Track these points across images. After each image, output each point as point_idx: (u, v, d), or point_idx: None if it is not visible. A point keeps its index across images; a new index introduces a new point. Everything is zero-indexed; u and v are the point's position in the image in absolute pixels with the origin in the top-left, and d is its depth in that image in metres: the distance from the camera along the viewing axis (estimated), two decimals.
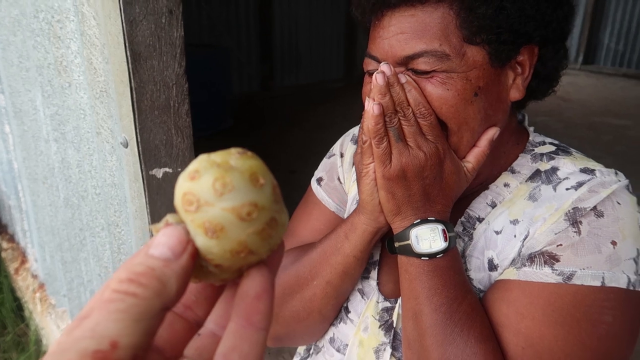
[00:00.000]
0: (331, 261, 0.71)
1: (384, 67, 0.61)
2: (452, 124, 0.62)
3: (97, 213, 1.41)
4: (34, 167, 1.91)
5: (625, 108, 6.93)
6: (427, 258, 0.63)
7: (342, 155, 0.87)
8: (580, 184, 0.63)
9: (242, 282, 0.26)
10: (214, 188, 0.24)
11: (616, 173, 0.65)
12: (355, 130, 0.88)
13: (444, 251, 0.62)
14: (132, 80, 0.94)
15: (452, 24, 0.60)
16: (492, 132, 0.65)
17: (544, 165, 0.69)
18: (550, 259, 0.60)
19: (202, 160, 0.26)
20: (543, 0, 0.61)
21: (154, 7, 0.92)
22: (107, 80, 1.08)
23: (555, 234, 0.61)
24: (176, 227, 0.26)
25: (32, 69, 1.59)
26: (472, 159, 0.65)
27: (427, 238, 0.62)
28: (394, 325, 0.71)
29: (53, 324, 2.10)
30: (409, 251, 0.63)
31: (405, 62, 0.62)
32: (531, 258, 0.61)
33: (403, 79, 0.61)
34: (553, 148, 0.71)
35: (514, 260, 0.64)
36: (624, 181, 0.64)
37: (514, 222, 0.66)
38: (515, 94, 0.65)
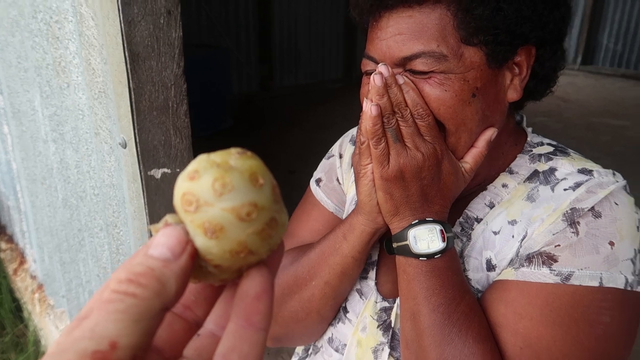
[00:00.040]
0: (329, 262, 0.71)
1: (381, 68, 0.61)
2: (449, 125, 0.62)
3: (96, 214, 1.41)
4: (32, 167, 1.91)
5: (623, 108, 6.94)
6: (425, 258, 0.63)
7: (341, 156, 0.87)
8: (578, 185, 0.63)
9: (242, 283, 0.26)
10: (214, 188, 0.24)
11: (614, 174, 0.66)
12: (354, 131, 0.88)
13: (442, 251, 0.62)
14: (131, 81, 0.94)
15: (450, 25, 0.60)
16: (490, 133, 0.65)
17: (542, 166, 0.69)
18: (548, 259, 0.60)
19: (201, 161, 0.26)
20: (540, 2, 0.61)
21: (153, 8, 0.92)
22: (105, 81, 1.08)
23: (553, 234, 0.61)
24: (175, 228, 0.25)
25: (31, 70, 1.59)
26: (470, 160, 0.65)
27: (425, 238, 0.62)
28: (392, 325, 0.71)
29: (52, 325, 2.10)
30: (407, 252, 0.63)
31: (403, 63, 0.62)
32: (529, 258, 0.62)
33: (401, 80, 0.61)
34: (551, 149, 0.71)
35: (512, 260, 0.64)
36: (622, 182, 0.64)
37: (512, 222, 0.66)
38: (513, 94, 0.65)
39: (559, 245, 0.60)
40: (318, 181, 0.89)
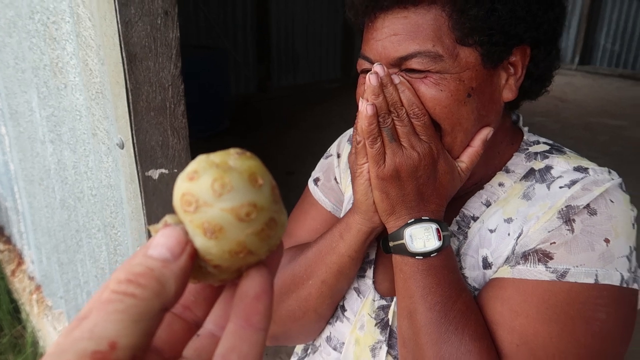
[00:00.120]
0: (326, 260, 0.71)
1: (377, 68, 0.61)
2: (445, 125, 0.63)
3: (94, 214, 1.40)
4: (30, 168, 1.91)
5: (621, 108, 6.96)
6: (421, 257, 0.63)
7: (339, 156, 0.88)
8: (573, 182, 0.64)
9: (241, 283, 0.26)
10: (213, 188, 0.24)
11: (610, 172, 0.66)
12: (352, 130, 0.88)
13: (438, 250, 0.62)
14: (128, 82, 0.94)
15: (445, 25, 0.60)
16: (486, 132, 0.65)
17: (538, 164, 0.69)
18: (543, 256, 0.60)
19: (200, 161, 0.26)
20: (534, 2, 0.61)
21: (150, 8, 0.92)
22: (102, 82, 1.08)
23: (549, 231, 0.61)
24: (175, 228, 0.25)
25: (28, 71, 1.58)
26: (465, 159, 0.65)
27: (421, 237, 0.63)
28: (390, 324, 0.71)
29: (50, 326, 2.10)
30: (403, 250, 0.64)
31: (399, 63, 0.62)
32: (525, 256, 0.62)
33: (397, 79, 0.61)
34: (547, 147, 0.72)
35: (508, 258, 0.64)
36: (617, 179, 0.65)
37: (508, 220, 0.66)
38: (508, 94, 0.66)
39: (554, 242, 0.60)
40: (316, 180, 0.89)
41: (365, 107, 0.61)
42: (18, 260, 2.55)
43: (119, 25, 0.90)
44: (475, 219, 0.70)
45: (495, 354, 0.60)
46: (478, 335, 0.60)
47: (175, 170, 1.05)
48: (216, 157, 0.26)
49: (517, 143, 0.73)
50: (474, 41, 0.61)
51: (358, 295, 0.76)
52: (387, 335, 0.71)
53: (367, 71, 0.66)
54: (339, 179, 0.86)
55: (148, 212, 1.05)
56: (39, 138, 1.68)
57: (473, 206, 0.70)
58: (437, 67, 0.60)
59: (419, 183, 0.63)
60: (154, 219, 1.06)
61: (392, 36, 0.62)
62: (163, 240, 0.25)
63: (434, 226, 0.63)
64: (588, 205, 0.61)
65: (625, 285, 0.59)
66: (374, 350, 0.72)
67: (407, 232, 0.63)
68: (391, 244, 0.65)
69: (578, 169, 0.66)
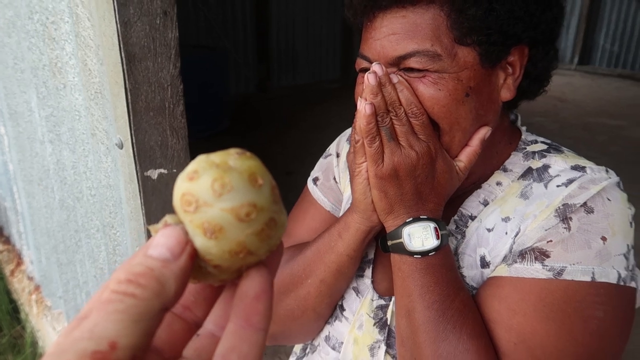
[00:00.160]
0: (325, 260, 0.71)
1: (375, 67, 0.61)
2: (443, 124, 0.63)
3: (93, 214, 1.41)
4: (29, 168, 1.91)
5: (620, 108, 6.97)
6: (419, 256, 0.63)
7: (338, 155, 0.88)
8: (570, 181, 0.64)
9: (241, 283, 0.26)
10: (213, 188, 0.24)
11: (607, 170, 0.66)
12: (351, 130, 0.88)
13: (436, 249, 0.63)
14: (127, 82, 0.94)
15: (443, 25, 0.60)
16: (484, 132, 0.65)
17: (536, 163, 0.69)
18: (540, 255, 0.61)
19: (200, 161, 0.26)
20: (532, 2, 0.61)
21: (149, 9, 0.92)
22: (101, 82, 1.08)
23: (546, 230, 0.61)
24: (175, 228, 0.25)
25: (27, 71, 1.59)
26: (464, 158, 0.66)
27: (420, 236, 0.63)
28: (388, 323, 0.72)
29: (49, 326, 2.10)
30: (401, 249, 0.64)
31: (397, 63, 0.62)
32: (522, 254, 0.62)
33: (395, 79, 0.62)
34: (545, 146, 0.72)
35: (505, 257, 0.64)
36: (615, 178, 0.65)
37: (506, 219, 0.66)
38: (506, 94, 0.66)
39: (551, 240, 0.61)
40: (315, 180, 0.89)
41: (363, 107, 0.61)
42: (17, 260, 2.55)
43: (118, 26, 0.90)
44: (473, 218, 0.70)
45: (493, 352, 0.60)
46: (476, 333, 0.60)
47: (175, 171, 1.05)
48: (216, 157, 0.26)
49: (515, 142, 0.74)
50: (472, 41, 0.61)
51: (357, 295, 0.76)
52: (385, 335, 0.71)
53: (365, 70, 0.66)
54: (338, 178, 0.87)
55: (147, 212, 1.05)
56: (38, 138, 1.68)
57: (471, 205, 0.71)
58: (435, 66, 0.60)
59: (417, 182, 0.63)
60: (153, 219, 1.06)
61: (390, 35, 0.62)
62: (163, 240, 0.25)
63: (432, 225, 0.63)
64: (585, 203, 0.61)
65: (622, 284, 0.59)
66: (372, 349, 0.72)
67: (406, 231, 0.63)
68: (389, 242, 0.65)
69: (575, 167, 0.66)
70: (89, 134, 1.25)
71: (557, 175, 0.66)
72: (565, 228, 0.60)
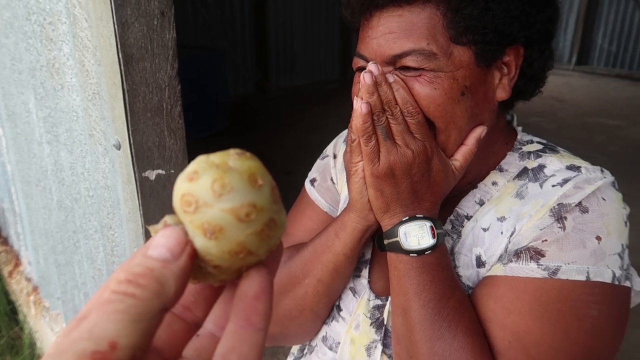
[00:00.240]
0: (322, 259, 0.72)
1: (371, 66, 0.62)
2: (439, 123, 0.63)
3: (91, 215, 1.41)
4: (27, 169, 1.91)
5: (618, 108, 6.98)
6: (415, 255, 0.63)
7: (335, 156, 0.88)
8: (566, 181, 0.64)
9: (241, 283, 0.26)
10: (213, 189, 0.24)
11: (602, 170, 0.66)
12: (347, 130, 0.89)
13: (432, 248, 0.63)
14: (125, 83, 0.94)
15: (439, 24, 0.61)
16: (480, 131, 0.66)
17: (531, 163, 0.70)
18: (535, 254, 0.61)
19: (200, 162, 0.26)
20: (527, 2, 0.62)
21: (146, 9, 0.93)
22: (99, 83, 1.08)
23: (541, 229, 0.61)
24: (174, 228, 0.25)
25: (25, 72, 1.59)
26: (460, 157, 0.66)
27: (416, 235, 0.63)
28: (385, 323, 0.72)
29: (47, 327, 2.10)
30: (397, 248, 0.64)
31: (394, 62, 0.63)
32: (517, 254, 0.62)
33: (391, 78, 0.62)
34: (540, 146, 0.72)
35: (501, 256, 0.65)
36: (610, 178, 0.65)
37: (501, 219, 0.67)
38: (502, 93, 0.66)
39: (546, 240, 0.61)
40: (312, 181, 0.89)
41: (359, 106, 0.61)
42: (15, 261, 2.55)
43: (116, 27, 0.90)
44: (469, 218, 0.70)
45: (488, 350, 0.60)
46: (471, 332, 0.60)
47: (172, 171, 1.05)
48: (216, 157, 0.26)
49: (511, 142, 0.74)
50: (468, 40, 0.61)
51: (354, 295, 0.76)
52: (382, 335, 0.71)
53: (362, 69, 0.66)
54: (335, 179, 0.87)
55: (145, 213, 1.05)
56: (36, 139, 1.68)
57: (467, 205, 0.71)
58: (431, 65, 0.61)
59: (413, 181, 0.63)
60: (150, 220, 1.06)
61: (387, 34, 0.62)
62: (163, 240, 0.25)
63: (428, 224, 0.63)
64: (580, 203, 0.61)
65: (617, 283, 0.59)
66: (369, 349, 0.72)
67: (402, 229, 0.63)
68: (386, 241, 0.66)
69: (571, 167, 0.66)
70: (86, 134, 1.25)
71: (553, 175, 0.66)
72: (560, 227, 0.61)
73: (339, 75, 8.40)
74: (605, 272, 0.59)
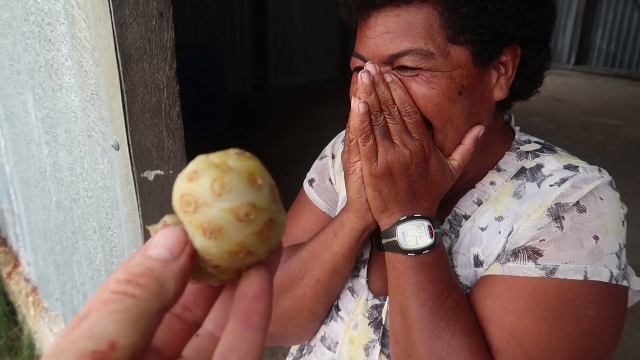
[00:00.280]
0: (321, 259, 0.72)
1: (369, 66, 0.62)
2: (437, 123, 0.63)
3: (90, 216, 1.41)
4: (26, 170, 1.91)
5: (617, 108, 6.99)
6: (413, 254, 0.63)
7: (333, 157, 0.88)
8: (563, 181, 0.64)
9: (241, 283, 0.26)
10: (213, 189, 0.24)
11: (600, 170, 0.67)
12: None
13: (430, 247, 0.63)
14: (123, 83, 0.95)
15: (437, 24, 0.61)
16: (477, 130, 0.66)
17: (529, 163, 0.70)
18: (533, 254, 0.61)
19: (200, 162, 0.26)
20: (523, 1, 0.62)
21: (145, 10, 0.93)
22: (98, 83, 1.08)
23: (539, 229, 0.62)
24: (174, 228, 0.26)
25: (24, 72, 1.59)
26: (457, 157, 0.66)
27: (414, 235, 0.63)
28: (383, 323, 0.72)
29: (46, 328, 2.09)
30: (396, 248, 0.64)
31: (391, 61, 0.63)
32: (515, 253, 0.62)
33: (389, 78, 0.62)
34: (538, 146, 0.73)
35: (499, 256, 0.65)
36: (608, 177, 0.65)
37: (499, 219, 0.67)
38: (499, 93, 0.66)
39: (544, 240, 0.61)
40: (311, 182, 0.89)
41: (357, 105, 0.61)
42: (14, 262, 2.54)
43: (114, 27, 0.90)
44: (467, 217, 0.70)
45: (486, 349, 0.60)
46: (469, 331, 0.61)
47: (171, 172, 1.05)
48: (216, 157, 0.26)
49: (509, 143, 0.74)
50: (465, 40, 0.61)
51: (352, 295, 0.76)
52: (380, 335, 0.72)
53: (360, 69, 0.66)
54: (333, 180, 0.87)
55: (144, 214, 1.05)
56: (35, 140, 1.68)
57: (465, 205, 0.71)
58: (428, 65, 0.61)
59: (411, 181, 0.63)
60: (149, 221, 1.06)
61: (384, 34, 0.62)
62: (163, 240, 0.25)
63: (426, 224, 0.63)
64: (578, 202, 0.61)
65: (614, 283, 0.59)
66: (367, 349, 0.73)
67: (400, 229, 0.64)
68: (384, 241, 0.66)
69: (568, 167, 0.67)
70: (85, 135, 1.25)
71: (551, 175, 0.66)
72: (558, 227, 0.61)
73: (338, 75, 8.40)
74: (603, 271, 0.59)
